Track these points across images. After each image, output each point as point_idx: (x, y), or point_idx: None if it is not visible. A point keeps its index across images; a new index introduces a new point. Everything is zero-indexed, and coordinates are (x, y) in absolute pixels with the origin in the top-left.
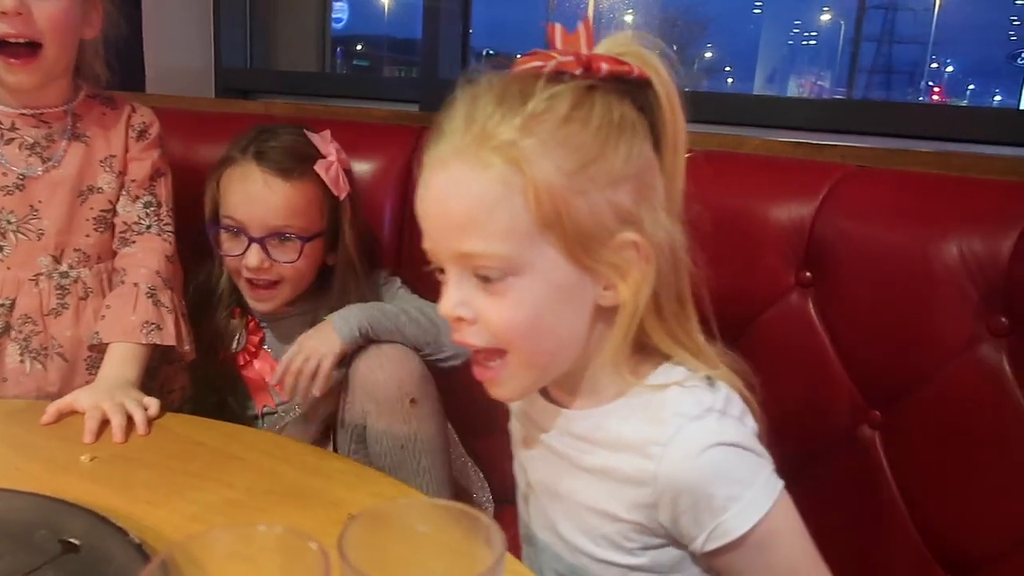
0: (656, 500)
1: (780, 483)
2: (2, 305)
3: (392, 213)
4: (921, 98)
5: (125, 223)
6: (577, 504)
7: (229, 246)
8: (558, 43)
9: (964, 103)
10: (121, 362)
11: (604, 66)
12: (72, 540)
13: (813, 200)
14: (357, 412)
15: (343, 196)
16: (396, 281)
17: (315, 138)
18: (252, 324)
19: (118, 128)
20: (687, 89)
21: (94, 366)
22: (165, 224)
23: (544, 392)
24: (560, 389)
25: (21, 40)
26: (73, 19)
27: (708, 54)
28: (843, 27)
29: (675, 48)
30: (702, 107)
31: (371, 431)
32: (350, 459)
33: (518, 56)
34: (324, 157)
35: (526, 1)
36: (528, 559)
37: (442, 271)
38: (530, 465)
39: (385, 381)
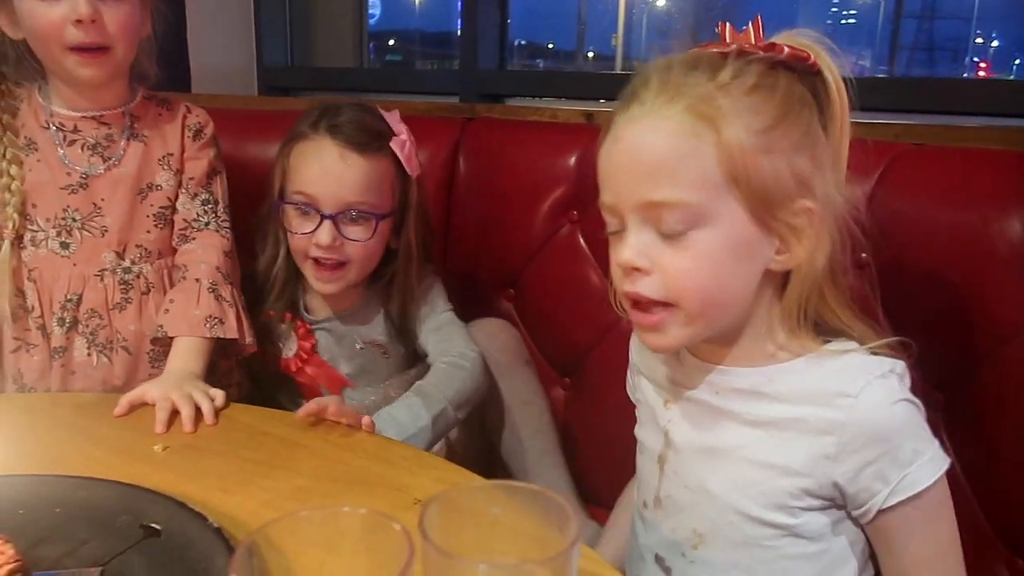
0: (839, 451)
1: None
2: (70, 300)
3: (437, 204)
4: (966, 74)
5: (185, 220)
6: (739, 459)
7: (298, 223)
8: (727, 39)
9: (1011, 78)
10: (186, 355)
11: (786, 48)
12: (153, 525)
13: (868, 180)
14: None
15: (415, 175)
16: (438, 283)
17: (386, 115)
18: (303, 330)
19: (174, 128)
20: None
21: (157, 359)
22: (223, 221)
23: (694, 352)
24: (716, 348)
25: (94, 46)
26: (137, 21)
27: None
28: (883, 4)
29: (710, 30)
30: None
31: (491, 396)
32: (410, 446)
33: (550, 45)
34: (397, 135)
35: None
36: (650, 523)
37: (616, 231)
38: (673, 426)
39: (502, 347)
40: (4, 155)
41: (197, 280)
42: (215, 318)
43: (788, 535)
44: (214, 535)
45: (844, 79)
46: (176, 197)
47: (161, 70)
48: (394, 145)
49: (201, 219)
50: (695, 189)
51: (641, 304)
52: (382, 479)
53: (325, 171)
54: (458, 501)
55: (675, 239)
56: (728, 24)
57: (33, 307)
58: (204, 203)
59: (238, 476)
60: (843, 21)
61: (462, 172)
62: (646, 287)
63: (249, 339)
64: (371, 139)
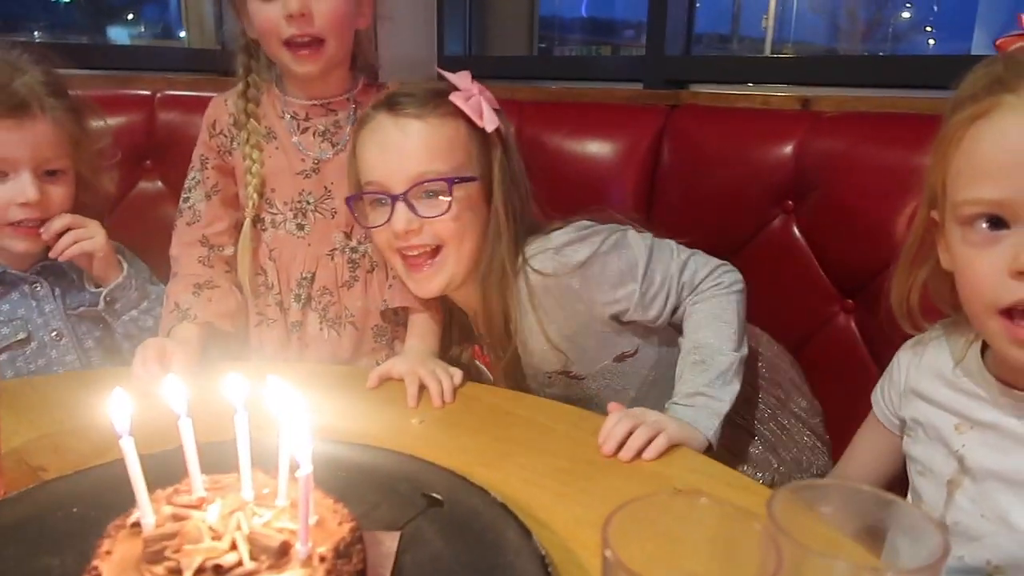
0: None
1: None
2: (305, 278)
3: (639, 193)
4: None
5: None
6: None
7: (374, 216)
8: None
9: None
10: (423, 334)
11: None
12: (435, 495)
13: None
14: None
15: (490, 128)
16: (672, 244)
17: (451, 76)
18: (487, 362)
19: None
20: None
21: (380, 335)
22: None
23: (1002, 376)
24: None
25: (306, 38)
26: (348, 13)
27: (905, 14)
28: None
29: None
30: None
31: None
32: None
33: None
34: (461, 89)
35: None
36: None
37: (996, 224)
38: (970, 452)
39: None
40: (248, 140)
41: None
42: None
43: None
44: (500, 509)
45: None
46: None
47: None
48: (456, 99)
49: None
50: None
51: None
52: (636, 466)
53: (384, 147)
54: (796, 497)
55: None
56: None
57: (273, 284)
58: None
59: (495, 453)
60: None
61: (665, 160)
62: None
63: None
64: (428, 99)
